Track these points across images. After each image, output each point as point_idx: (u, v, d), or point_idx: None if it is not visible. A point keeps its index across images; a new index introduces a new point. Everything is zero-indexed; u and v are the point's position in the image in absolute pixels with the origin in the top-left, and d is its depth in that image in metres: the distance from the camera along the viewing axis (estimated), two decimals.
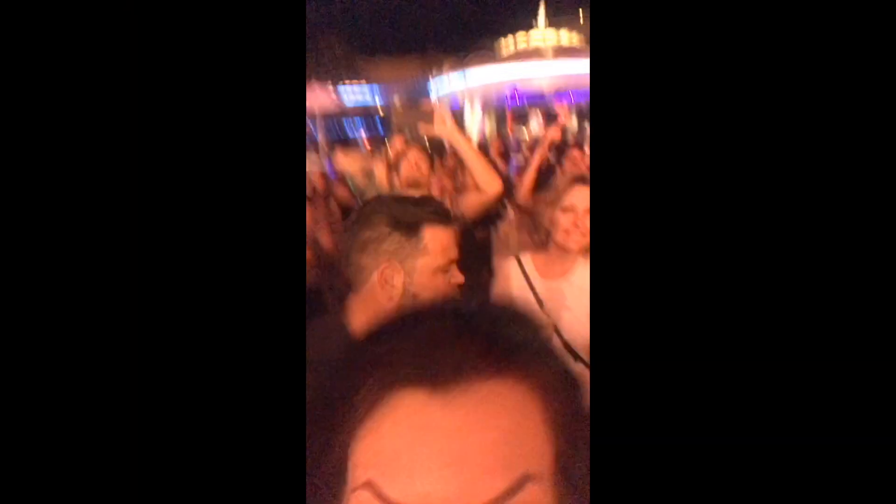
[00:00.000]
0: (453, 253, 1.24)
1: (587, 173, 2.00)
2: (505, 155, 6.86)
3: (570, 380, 0.43)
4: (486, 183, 2.40)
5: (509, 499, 0.36)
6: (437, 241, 1.21)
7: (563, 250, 1.78)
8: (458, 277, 1.27)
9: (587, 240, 1.74)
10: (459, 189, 3.21)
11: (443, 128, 2.43)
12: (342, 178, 4.13)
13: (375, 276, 1.18)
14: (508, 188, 3.10)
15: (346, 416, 0.40)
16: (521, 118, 16.95)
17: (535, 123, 15.64)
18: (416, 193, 1.93)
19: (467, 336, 0.41)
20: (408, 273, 1.18)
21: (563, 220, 1.76)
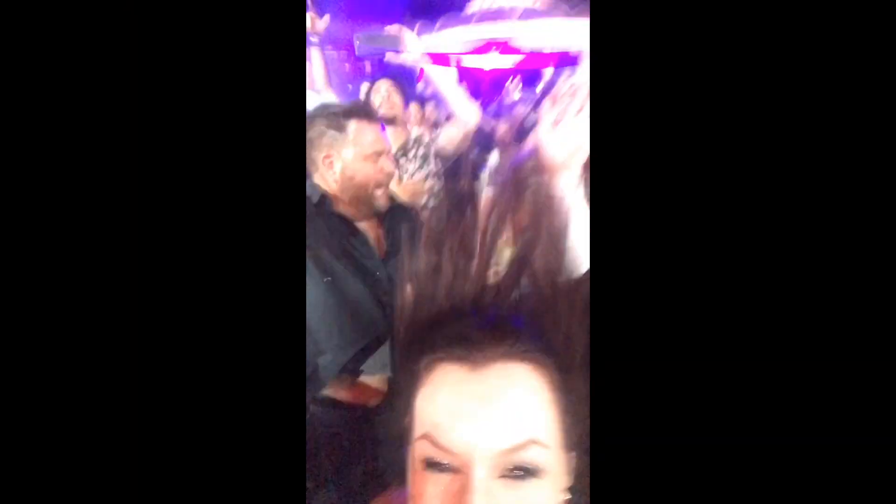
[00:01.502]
0: (379, 145, 1.56)
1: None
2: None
3: (568, 370, 0.57)
4: (464, 112, 2.32)
5: (517, 452, 0.53)
6: (362, 134, 1.54)
7: None
8: (389, 167, 1.58)
9: None
10: (437, 124, 3.07)
11: (411, 56, 2.37)
12: None
13: (320, 164, 1.54)
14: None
15: (411, 382, 0.58)
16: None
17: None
18: (390, 124, 2.37)
19: (494, 331, 0.57)
20: (343, 160, 1.53)
21: None
